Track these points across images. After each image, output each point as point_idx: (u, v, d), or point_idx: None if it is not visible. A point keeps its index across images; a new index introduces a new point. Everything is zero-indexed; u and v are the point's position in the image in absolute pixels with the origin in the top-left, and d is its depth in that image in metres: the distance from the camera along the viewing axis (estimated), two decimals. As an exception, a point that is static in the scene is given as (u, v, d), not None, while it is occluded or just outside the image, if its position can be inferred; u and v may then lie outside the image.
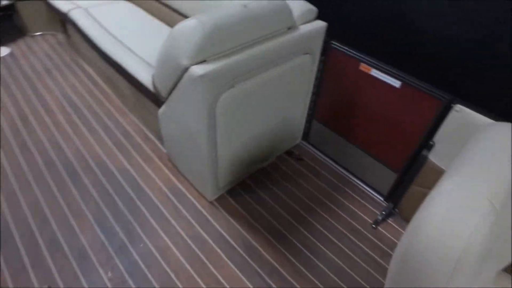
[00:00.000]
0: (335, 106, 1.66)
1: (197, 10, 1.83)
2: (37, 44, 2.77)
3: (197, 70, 1.12)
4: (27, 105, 2.15)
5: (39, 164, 1.78)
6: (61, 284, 1.34)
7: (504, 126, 0.68)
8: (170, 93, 1.37)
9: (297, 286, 1.32)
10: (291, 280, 1.34)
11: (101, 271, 1.37)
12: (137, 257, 1.41)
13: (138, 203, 1.60)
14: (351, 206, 1.62)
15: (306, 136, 1.92)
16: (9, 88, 2.28)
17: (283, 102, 1.55)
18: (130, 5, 2.42)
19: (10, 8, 2.70)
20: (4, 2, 2.58)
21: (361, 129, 1.59)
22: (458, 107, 1.17)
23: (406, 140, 1.40)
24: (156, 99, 1.57)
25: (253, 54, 1.24)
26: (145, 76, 1.64)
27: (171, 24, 2.14)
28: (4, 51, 2.65)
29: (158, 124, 1.66)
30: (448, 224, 0.51)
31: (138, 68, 1.71)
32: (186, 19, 1.16)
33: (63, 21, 2.58)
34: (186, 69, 1.16)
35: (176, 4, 2.00)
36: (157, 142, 1.91)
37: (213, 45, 1.15)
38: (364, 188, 1.71)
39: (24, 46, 2.73)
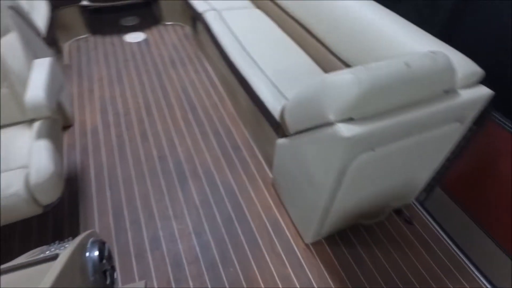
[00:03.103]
0: (471, 180, 1.45)
1: (337, 42, 1.73)
2: (167, 34, 2.98)
3: (344, 130, 1.04)
4: (152, 94, 2.33)
5: (154, 157, 1.91)
6: (155, 284, 1.42)
7: None
8: (298, 132, 1.33)
9: None
10: None
11: (190, 283, 1.41)
12: (225, 281, 1.42)
13: (236, 224, 1.61)
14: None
15: (422, 198, 1.73)
16: (140, 74, 2.49)
17: (413, 164, 1.40)
18: (264, 17, 2.41)
19: (154, -1, 2.95)
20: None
21: (496, 213, 1.36)
22: None
23: None
24: (277, 127, 1.55)
25: (405, 118, 1.12)
26: (271, 101, 1.62)
27: (302, 45, 2.08)
28: (141, 36, 2.90)
29: (273, 151, 1.64)
30: None
31: (263, 89, 1.70)
32: (341, 72, 1.09)
33: (194, 17, 2.71)
34: (329, 124, 1.10)
35: (312, 28, 1.92)
36: (263, 162, 1.90)
37: (365, 105, 1.06)
38: (478, 277, 1.48)
39: (157, 34, 2.96)
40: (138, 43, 2.82)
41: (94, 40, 2.85)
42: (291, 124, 1.35)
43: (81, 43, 2.80)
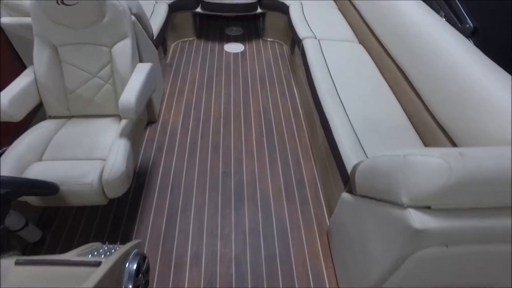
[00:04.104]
0: None
1: (438, 100, 1.53)
2: (265, 49, 3.04)
3: (416, 219, 0.91)
4: (234, 107, 2.39)
5: (220, 172, 1.95)
6: (186, 300, 1.44)
7: None
8: (364, 196, 1.21)
9: None
10: None
11: (218, 311, 1.40)
12: (251, 323, 1.37)
13: (278, 263, 1.55)
14: None
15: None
16: (229, 85, 2.59)
17: (502, 272, 1.16)
18: (364, 53, 2.28)
19: (261, 14, 3.03)
20: (259, 10, 2.90)
21: None
22: None
23: None
24: (346, 180, 1.44)
25: (499, 222, 0.93)
26: (347, 150, 1.51)
27: (396, 92, 1.91)
28: (240, 48, 3.01)
29: (337, 199, 1.54)
30: None
31: (343, 135, 1.59)
32: (430, 152, 0.94)
33: (294, 39, 2.72)
34: (401, 206, 0.97)
35: (412, 77, 1.73)
36: (324, 207, 1.80)
37: (450, 197, 0.91)
38: None
39: (255, 48, 3.04)
40: (236, 54, 2.94)
41: (197, 43, 3.06)
42: (360, 185, 1.24)
43: (186, 45, 3.03)
